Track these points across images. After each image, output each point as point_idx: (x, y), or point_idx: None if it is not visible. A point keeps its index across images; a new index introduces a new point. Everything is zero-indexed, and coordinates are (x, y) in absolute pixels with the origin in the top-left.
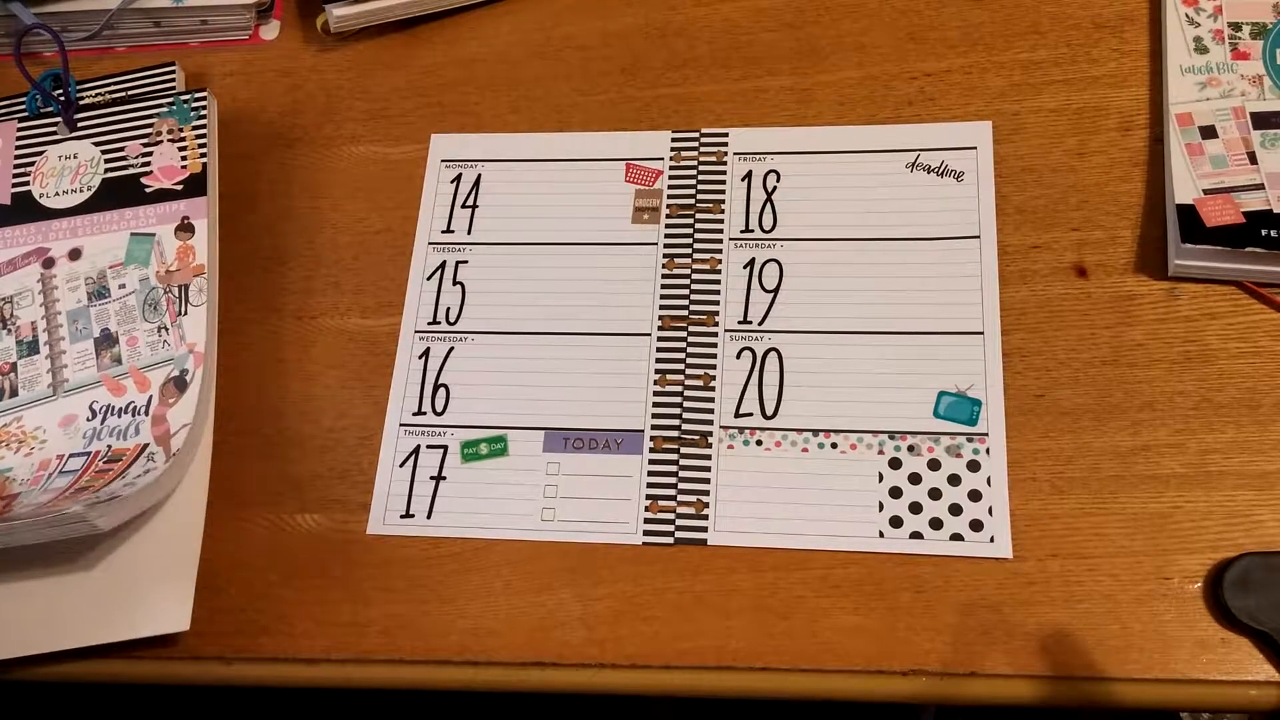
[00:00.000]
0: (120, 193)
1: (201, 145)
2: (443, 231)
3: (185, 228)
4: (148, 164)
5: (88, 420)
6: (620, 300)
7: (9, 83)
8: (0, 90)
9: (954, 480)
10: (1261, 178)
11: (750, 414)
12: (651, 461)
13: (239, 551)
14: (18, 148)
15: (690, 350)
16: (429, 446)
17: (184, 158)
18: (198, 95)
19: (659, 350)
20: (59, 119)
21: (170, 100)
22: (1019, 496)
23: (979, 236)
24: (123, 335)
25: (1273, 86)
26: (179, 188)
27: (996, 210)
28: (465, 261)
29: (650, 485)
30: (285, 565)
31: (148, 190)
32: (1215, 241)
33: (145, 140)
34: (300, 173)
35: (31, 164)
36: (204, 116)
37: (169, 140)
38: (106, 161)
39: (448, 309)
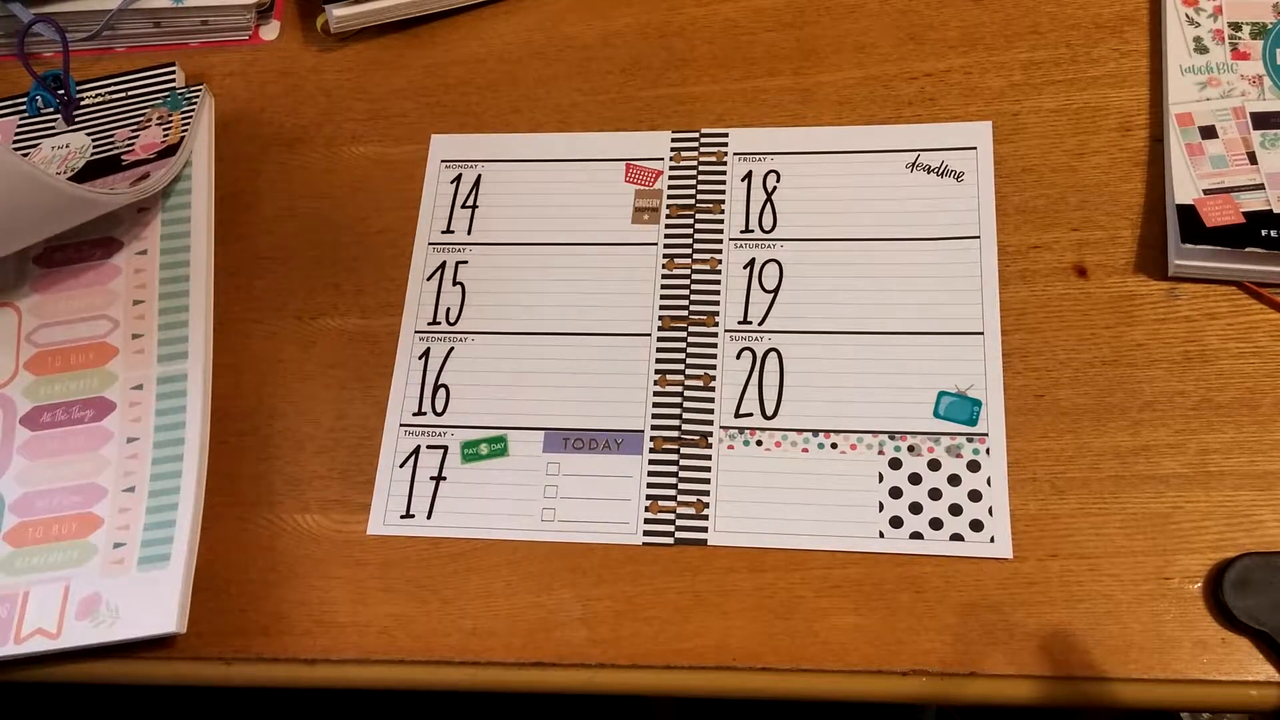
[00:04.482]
0: (99, 170)
1: (186, 122)
2: (443, 232)
3: (142, 176)
4: (131, 144)
5: None
6: (620, 300)
7: (9, 84)
8: (0, 91)
9: (954, 480)
10: (1261, 178)
11: (750, 414)
12: (651, 462)
13: (239, 551)
14: (15, 141)
15: (690, 350)
16: (429, 447)
17: (165, 134)
18: (193, 87)
19: (659, 350)
20: (58, 116)
21: (166, 94)
22: (1019, 497)
23: (979, 236)
24: None
25: (1273, 86)
26: (152, 157)
27: (996, 210)
28: (465, 262)
29: (650, 485)
30: (285, 565)
31: (124, 163)
32: (1215, 241)
33: (134, 126)
34: (300, 173)
35: (25, 155)
36: (194, 103)
37: (156, 124)
38: (95, 146)
39: (448, 309)
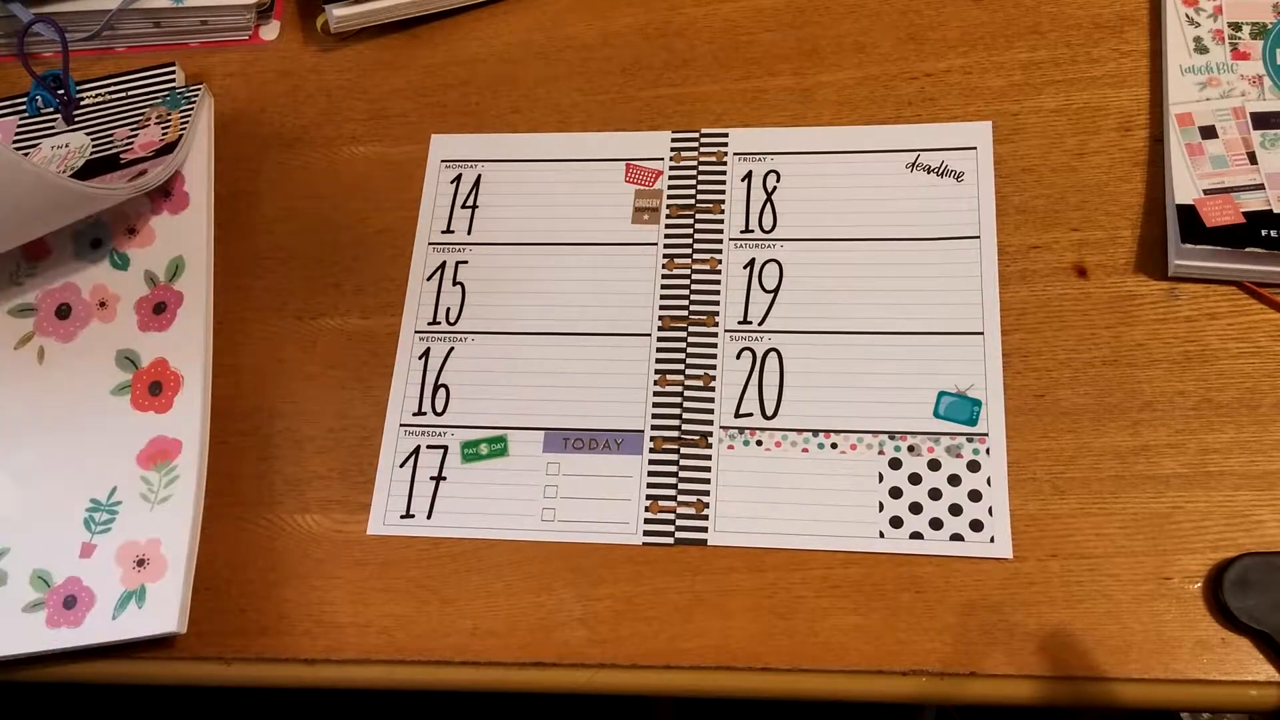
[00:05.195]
0: (98, 169)
1: (185, 121)
2: (443, 231)
3: (140, 173)
4: (130, 143)
5: None
6: (620, 300)
7: (9, 84)
8: (0, 91)
9: (954, 480)
10: (1261, 178)
11: (750, 414)
12: (651, 461)
13: (239, 551)
14: (15, 141)
15: (690, 350)
16: (429, 447)
17: (164, 132)
18: (192, 87)
19: (659, 350)
20: (58, 116)
21: (165, 94)
22: (1019, 497)
23: (979, 236)
24: None
25: (1273, 86)
26: (150, 154)
27: (996, 210)
28: (465, 261)
29: (650, 485)
30: (285, 565)
31: (123, 161)
32: (1215, 241)
33: (133, 125)
34: (300, 173)
35: (25, 155)
36: (194, 101)
37: (155, 123)
38: (94, 146)
39: (448, 309)
